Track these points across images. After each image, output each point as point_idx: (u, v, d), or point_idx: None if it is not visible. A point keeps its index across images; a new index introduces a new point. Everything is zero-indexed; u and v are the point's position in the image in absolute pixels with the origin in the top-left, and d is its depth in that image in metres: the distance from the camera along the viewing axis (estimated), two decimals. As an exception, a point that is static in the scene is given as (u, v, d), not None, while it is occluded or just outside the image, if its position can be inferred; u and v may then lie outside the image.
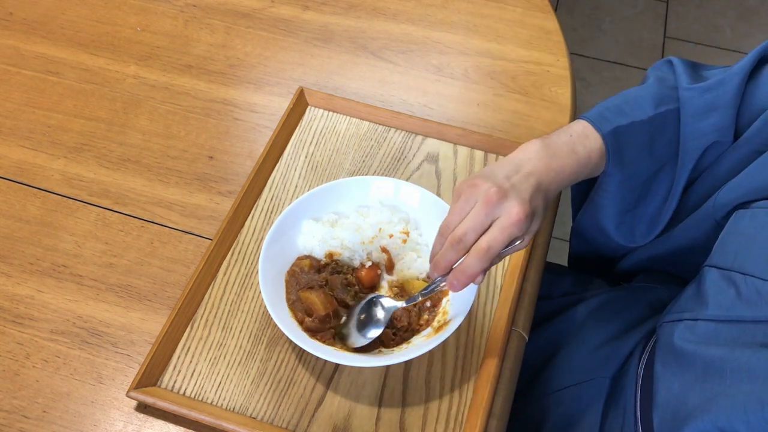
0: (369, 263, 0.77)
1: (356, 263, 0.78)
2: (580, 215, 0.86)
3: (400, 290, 0.76)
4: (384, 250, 0.78)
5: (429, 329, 0.72)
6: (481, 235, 0.64)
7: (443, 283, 0.67)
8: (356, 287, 0.75)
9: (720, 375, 0.60)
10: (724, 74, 0.74)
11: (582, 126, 0.73)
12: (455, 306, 0.72)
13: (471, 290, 0.71)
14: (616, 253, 0.89)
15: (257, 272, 0.74)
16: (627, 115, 0.74)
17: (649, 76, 0.80)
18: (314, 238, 0.77)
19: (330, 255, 0.77)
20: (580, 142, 0.72)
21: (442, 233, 0.67)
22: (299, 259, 0.76)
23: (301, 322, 0.71)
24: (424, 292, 0.69)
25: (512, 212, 0.63)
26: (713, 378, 0.61)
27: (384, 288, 0.77)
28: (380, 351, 0.71)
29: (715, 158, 0.74)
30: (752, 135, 0.70)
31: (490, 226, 0.64)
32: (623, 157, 0.73)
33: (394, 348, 0.71)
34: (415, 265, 0.78)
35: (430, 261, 0.68)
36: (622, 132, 0.73)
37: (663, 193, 0.78)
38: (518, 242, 0.65)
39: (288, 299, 0.73)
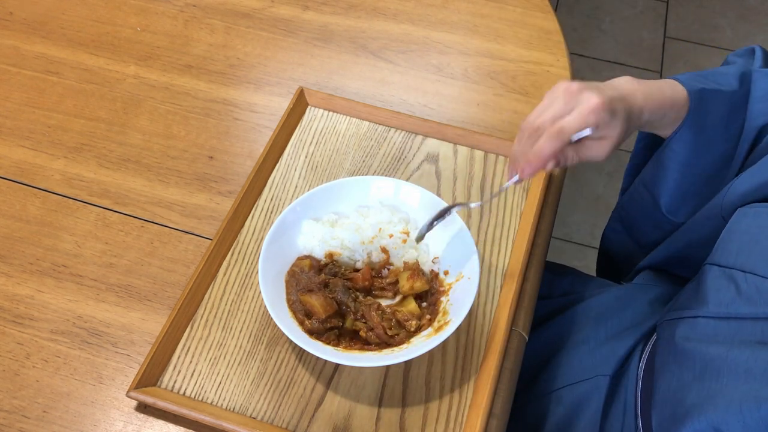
0: (359, 263, 0.77)
1: (358, 264, 0.78)
2: (635, 182, 0.84)
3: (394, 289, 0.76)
4: (384, 250, 0.78)
5: (429, 329, 0.72)
6: None
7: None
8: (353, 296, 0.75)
9: (718, 374, 0.60)
10: None
11: (671, 83, 0.73)
12: (455, 306, 0.72)
13: (471, 290, 0.71)
14: (648, 237, 0.89)
15: (257, 272, 0.74)
16: (714, 83, 0.74)
17: (734, 61, 0.80)
18: (314, 238, 0.77)
19: (330, 255, 0.77)
20: (670, 87, 0.72)
21: (523, 130, 0.67)
22: (299, 259, 0.76)
23: (301, 323, 0.71)
24: (496, 192, 0.67)
25: (591, 100, 0.63)
26: (711, 376, 0.61)
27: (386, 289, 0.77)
28: (380, 351, 0.71)
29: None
30: None
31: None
32: (703, 120, 0.73)
33: (394, 348, 0.71)
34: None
35: (509, 160, 0.67)
36: (707, 96, 0.72)
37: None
38: (595, 135, 0.64)
39: (288, 300, 0.73)
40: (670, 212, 0.82)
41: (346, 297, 0.73)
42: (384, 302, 0.75)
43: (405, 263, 0.77)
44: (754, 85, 0.74)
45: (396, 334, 0.72)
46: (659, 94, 0.71)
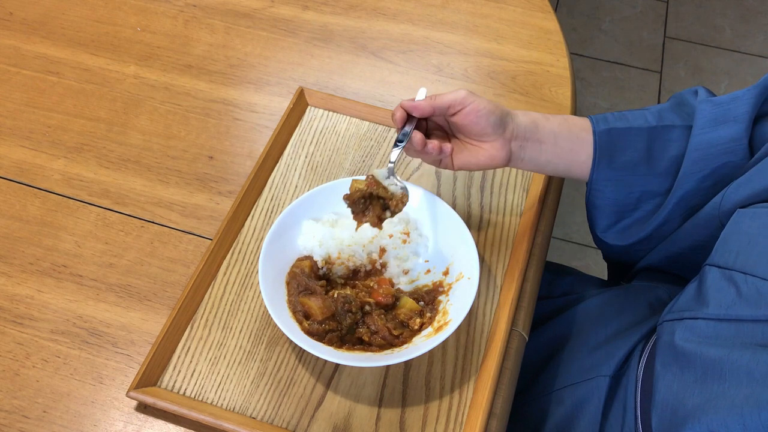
0: (358, 262, 0.78)
1: (358, 262, 0.77)
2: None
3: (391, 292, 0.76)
4: (382, 249, 0.78)
5: (429, 329, 0.72)
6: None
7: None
8: (356, 312, 0.74)
9: (719, 376, 0.60)
10: (741, 91, 0.74)
11: (581, 121, 0.77)
12: (455, 306, 0.72)
13: (471, 290, 0.71)
14: (612, 252, 0.89)
15: (257, 272, 0.74)
16: (627, 120, 0.77)
17: (670, 99, 0.82)
18: (314, 239, 0.77)
19: (329, 261, 0.77)
20: (581, 122, 0.77)
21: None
22: (299, 260, 0.76)
23: (301, 323, 0.71)
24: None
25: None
26: (712, 379, 0.61)
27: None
28: (381, 351, 0.71)
29: (728, 179, 0.74)
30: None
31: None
32: (614, 158, 0.76)
33: (395, 348, 0.71)
34: (416, 266, 0.78)
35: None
36: (616, 134, 0.76)
37: (657, 203, 0.79)
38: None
39: (289, 301, 0.73)
40: (613, 239, 0.84)
41: (343, 318, 0.73)
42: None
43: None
44: (699, 115, 0.75)
45: (400, 333, 0.72)
46: (562, 121, 0.77)
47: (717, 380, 0.60)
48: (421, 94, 0.77)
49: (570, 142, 0.76)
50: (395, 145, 0.74)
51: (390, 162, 0.74)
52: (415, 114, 0.74)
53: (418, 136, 0.73)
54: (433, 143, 0.74)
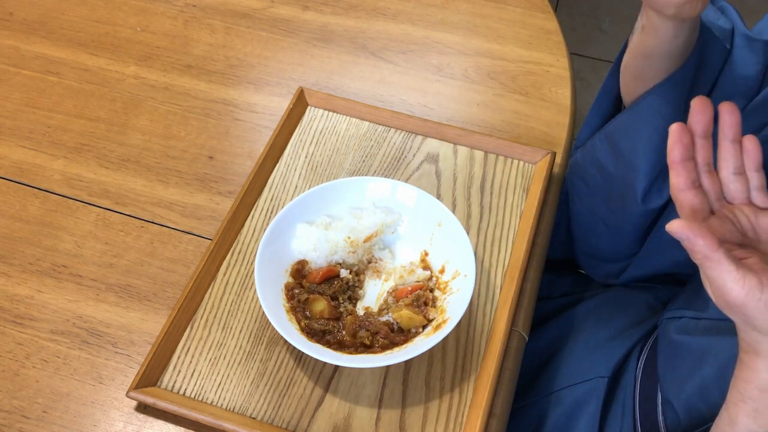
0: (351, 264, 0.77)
1: (352, 261, 0.78)
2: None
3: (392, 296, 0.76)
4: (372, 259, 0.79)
5: (428, 327, 0.72)
6: None
7: None
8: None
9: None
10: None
11: None
12: (453, 304, 0.72)
13: (468, 287, 0.71)
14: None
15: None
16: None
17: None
18: (308, 242, 0.77)
19: (330, 272, 0.77)
20: None
21: None
22: (297, 263, 0.76)
23: (299, 323, 0.71)
24: None
25: None
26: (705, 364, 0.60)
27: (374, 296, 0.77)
28: (381, 352, 0.71)
29: None
30: (759, 105, 0.68)
31: None
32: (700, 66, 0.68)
33: (395, 348, 0.71)
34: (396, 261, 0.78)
35: None
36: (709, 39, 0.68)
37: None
38: None
39: (286, 305, 0.73)
40: (646, 197, 0.73)
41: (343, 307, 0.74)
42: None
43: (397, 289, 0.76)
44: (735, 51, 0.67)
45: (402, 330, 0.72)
46: None
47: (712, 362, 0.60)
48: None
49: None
50: None
51: None
52: None
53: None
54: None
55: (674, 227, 0.48)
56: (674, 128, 0.54)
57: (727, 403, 0.56)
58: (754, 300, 0.49)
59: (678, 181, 0.54)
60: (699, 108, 0.54)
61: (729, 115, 0.54)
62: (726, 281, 0.49)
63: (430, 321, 0.73)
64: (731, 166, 0.54)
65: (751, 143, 0.53)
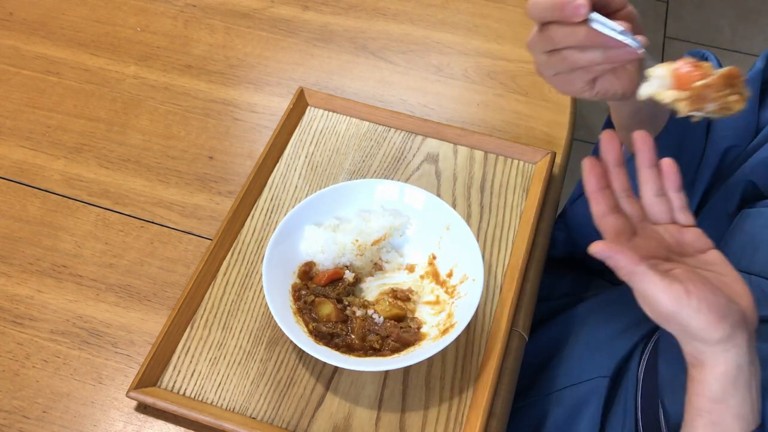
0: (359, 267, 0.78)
1: (359, 264, 0.78)
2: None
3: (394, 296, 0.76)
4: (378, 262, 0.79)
5: (435, 332, 0.72)
6: None
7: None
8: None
9: None
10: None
11: None
12: (460, 308, 0.72)
13: (476, 292, 0.71)
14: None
15: (257, 273, 0.74)
16: None
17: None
18: (316, 244, 0.77)
19: (336, 274, 0.76)
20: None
21: None
22: (304, 265, 0.76)
23: (306, 325, 0.71)
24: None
25: None
26: None
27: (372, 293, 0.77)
28: (390, 355, 0.71)
29: (731, 161, 0.73)
30: None
31: None
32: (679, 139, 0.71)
33: (401, 352, 0.70)
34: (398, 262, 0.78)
35: None
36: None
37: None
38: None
39: (294, 306, 0.73)
40: None
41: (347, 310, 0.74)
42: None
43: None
44: None
45: (409, 328, 0.72)
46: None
47: None
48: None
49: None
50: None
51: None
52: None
53: None
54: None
55: (596, 249, 0.52)
56: (586, 162, 0.59)
57: (685, 422, 0.57)
58: (683, 306, 0.52)
59: (598, 209, 0.59)
60: (607, 140, 0.59)
61: (642, 143, 0.57)
62: (654, 292, 0.53)
63: (407, 313, 0.74)
64: (651, 189, 0.58)
65: (668, 166, 0.57)
